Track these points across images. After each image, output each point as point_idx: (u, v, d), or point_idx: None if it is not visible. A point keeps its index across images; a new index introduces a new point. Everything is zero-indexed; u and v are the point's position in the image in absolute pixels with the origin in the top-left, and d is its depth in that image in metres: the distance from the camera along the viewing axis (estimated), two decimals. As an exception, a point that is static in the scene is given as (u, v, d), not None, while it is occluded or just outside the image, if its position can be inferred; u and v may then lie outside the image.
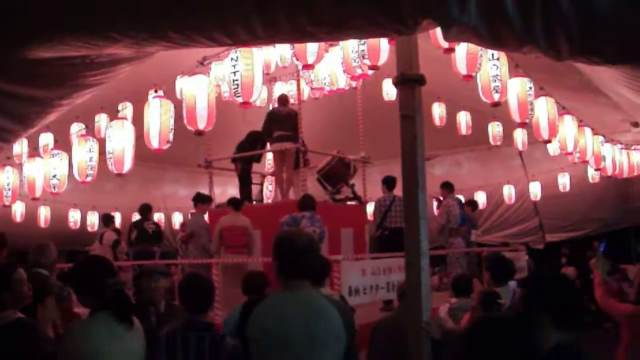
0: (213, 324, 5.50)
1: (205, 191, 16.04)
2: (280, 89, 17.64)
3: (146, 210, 16.20)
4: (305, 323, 4.50)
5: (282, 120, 15.04)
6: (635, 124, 17.46)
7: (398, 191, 12.60)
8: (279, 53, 14.01)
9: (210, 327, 5.37)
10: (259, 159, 16.78)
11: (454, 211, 15.12)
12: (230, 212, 13.93)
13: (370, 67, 10.99)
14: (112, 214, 18.59)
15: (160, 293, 7.20)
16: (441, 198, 15.64)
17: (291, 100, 16.39)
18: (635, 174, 18.26)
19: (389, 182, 13.92)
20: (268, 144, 15.67)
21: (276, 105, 15.96)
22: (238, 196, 15.72)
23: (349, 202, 16.03)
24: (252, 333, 4.68)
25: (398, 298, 7.33)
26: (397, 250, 10.56)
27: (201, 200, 14.75)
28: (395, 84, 6.36)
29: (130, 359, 4.80)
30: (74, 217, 21.76)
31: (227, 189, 20.56)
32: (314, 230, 12.11)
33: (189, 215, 15.16)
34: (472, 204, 16.84)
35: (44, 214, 20.47)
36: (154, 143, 10.52)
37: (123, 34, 6.05)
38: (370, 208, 16.85)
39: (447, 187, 15.55)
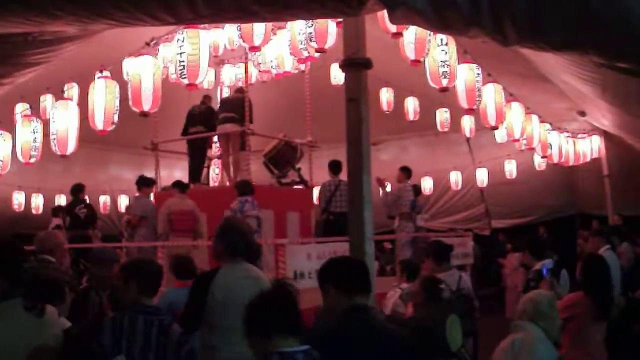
0: (160, 307, 5.43)
1: (151, 174, 15.93)
2: (228, 71, 17.59)
3: (77, 191, 15.97)
4: (256, 285, 5.52)
5: (227, 103, 15.20)
6: (582, 113, 17.62)
7: (344, 175, 12.62)
8: (227, 35, 13.90)
9: (158, 311, 5.30)
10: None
11: (408, 196, 15.05)
12: (176, 195, 13.85)
13: (318, 50, 10.93)
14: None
15: (111, 280, 7.04)
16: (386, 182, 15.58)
17: (239, 84, 16.37)
18: (581, 162, 18.47)
19: (334, 167, 13.84)
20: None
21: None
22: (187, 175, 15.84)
23: (295, 186, 15.99)
24: (218, 295, 5.84)
25: None
26: (342, 235, 10.53)
27: (145, 184, 14.54)
28: (342, 67, 6.33)
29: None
30: (18, 199, 21.30)
31: (173, 172, 20.41)
32: (256, 215, 12.38)
33: (134, 199, 14.92)
34: (415, 189, 16.71)
35: (-14, 196, 20.09)
36: (99, 124, 10.36)
37: (63, 10, 5.92)
38: (317, 192, 16.90)
39: (406, 172, 15.39)
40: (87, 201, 16.26)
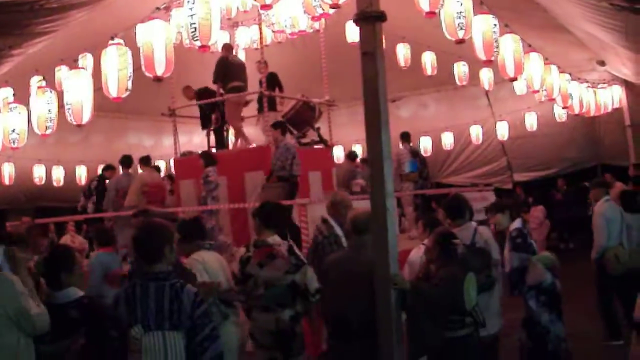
0: (171, 272, 5.31)
1: (170, 140, 16.13)
2: (242, 33, 17.49)
3: (103, 170, 16.85)
4: None
5: (236, 71, 15.05)
6: (601, 63, 17.44)
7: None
8: (240, -2, 13.83)
9: (168, 276, 5.20)
10: None
11: (403, 159, 15.74)
12: (145, 169, 14.78)
13: (332, 6, 10.78)
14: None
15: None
16: None
17: (254, 45, 16.31)
18: (602, 112, 18.27)
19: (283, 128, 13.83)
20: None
21: (224, 52, 15.61)
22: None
23: (315, 146, 15.93)
24: None
25: (352, 230, 7.08)
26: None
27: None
28: (356, 21, 6.22)
29: None
30: (38, 172, 21.28)
31: (192, 137, 20.41)
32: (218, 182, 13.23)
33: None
34: (413, 151, 16.96)
35: (8, 170, 20.09)
36: (113, 92, 10.27)
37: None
38: (337, 151, 17.19)
39: (403, 137, 16.04)
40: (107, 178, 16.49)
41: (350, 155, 17.77)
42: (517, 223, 8.87)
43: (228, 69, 14.96)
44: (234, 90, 14.79)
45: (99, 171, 17.90)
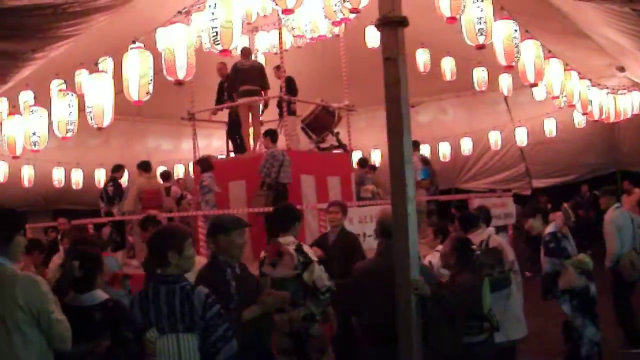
0: (182, 275, 5.28)
1: (189, 144, 16.46)
2: (262, 38, 17.50)
3: (113, 171, 16.55)
4: None
5: (247, 74, 14.96)
6: (621, 69, 17.36)
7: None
8: (260, 2, 13.79)
9: (178, 279, 5.20)
10: None
11: (416, 167, 15.70)
12: (143, 175, 14.84)
13: (352, 11, 10.75)
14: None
15: (242, 251, 6.25)
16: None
17: (274, 50, 16.30)
18: (622, 118, 18.18)
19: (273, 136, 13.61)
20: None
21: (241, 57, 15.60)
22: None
23: (334, 151, 15.93)
24: None
25: (382, 234, 6.92)
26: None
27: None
28: (378, 26, 6.20)
29: None
30: (57, 175, 21.39)
31: (212, 141, 20.44)
32: (216, 190, 13.20)
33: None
34: (424, 159, 17.07)
35: (27, 173, 20.12)
36: (134, 95, 10.29)
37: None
38: (356, 156, 17.21)
39: (413, 146, 16.11)
40: (119, 179, 16.47)
41: (361, 162, 17.74)
42: (551, 227, 8.90)
43: (237, 75, 14.98)
44: (244, 94, 14.80)
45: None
